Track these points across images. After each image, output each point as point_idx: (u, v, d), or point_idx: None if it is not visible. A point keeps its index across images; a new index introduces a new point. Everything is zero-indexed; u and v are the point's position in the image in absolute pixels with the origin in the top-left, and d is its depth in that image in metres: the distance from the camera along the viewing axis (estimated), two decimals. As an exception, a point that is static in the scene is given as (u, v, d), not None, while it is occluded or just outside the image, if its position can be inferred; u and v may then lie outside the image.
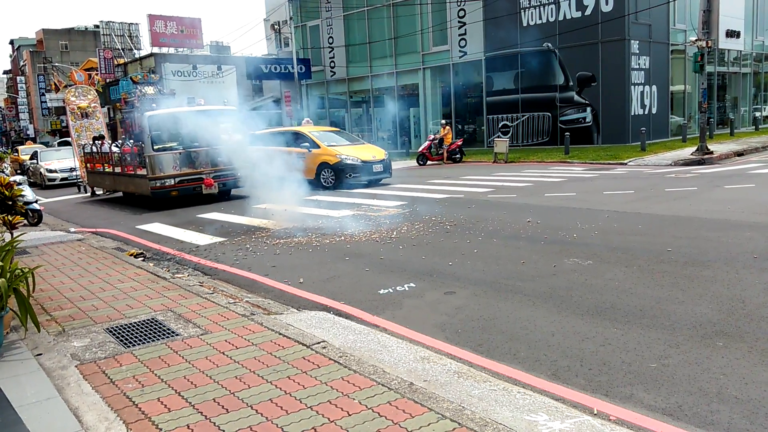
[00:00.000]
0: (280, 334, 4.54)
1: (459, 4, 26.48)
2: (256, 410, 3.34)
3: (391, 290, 5.92)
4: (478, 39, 26.10)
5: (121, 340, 4.59)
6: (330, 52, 32.76)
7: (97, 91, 20.82)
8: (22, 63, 78.21)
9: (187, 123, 13.09)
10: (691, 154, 17.85)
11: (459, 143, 22.58)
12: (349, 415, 3.23)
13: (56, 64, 61.59)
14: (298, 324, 4.85)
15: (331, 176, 15.24)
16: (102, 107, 20.22)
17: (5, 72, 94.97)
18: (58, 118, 58.43)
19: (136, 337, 4.67)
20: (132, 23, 49.33)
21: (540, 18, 24.12)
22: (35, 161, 24.53)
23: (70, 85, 24.38)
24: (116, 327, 4.92)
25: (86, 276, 6.83)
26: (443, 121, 24.11)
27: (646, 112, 23.79)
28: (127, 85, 31.57)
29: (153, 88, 16.25)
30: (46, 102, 61.42)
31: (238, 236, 9.33)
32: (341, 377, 3.72)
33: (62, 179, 22.74)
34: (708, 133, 20.15)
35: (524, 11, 24.55)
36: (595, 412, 3.32)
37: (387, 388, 3.54)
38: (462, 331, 4.70)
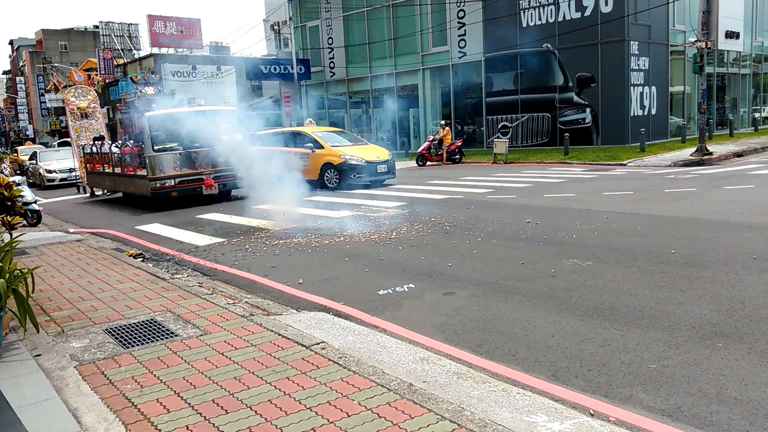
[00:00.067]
0: (279, 334, 4.54)
1: (458, 4, 26.49)
2: (255, 411, 3.33)
3: (390, 291, 5.91)
4: (478, 40, 26.12)
5: (120, 341, 4.59)
6: (329, 53, 32.77)
7: (96, 91, 20.80)
8: (21, 63, 78.19)
9: (187, 123, 13.08)
10: (691, 155, 17.86)
11: (458, 144, 22.59)
12: (349, 416, 3.22)
13: (56, 64, 61.58)
14: (297, 325, 4.84)
15: (335, 177, 15.19)
16: (101, 108, 20.20)
17: (4, 72, 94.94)
18: (58, 118, 58.42)
19: (135, 337, 4.66)
20: (131, 24, 49.27)
21: (539, 19, 24.14)
22: (34, 162, 24.52)
23: (69, 86, 24.37)
24: (115, 328, 4.92)
25: (85, 276, 6.82)
26: (443, 122, 24.12)
27: (646, 113, 23.81)
28: (126, 86, 31.60)
29: (153, 89, 16.25)
30: (45, 102, 61.42)
31: (238, 237, 9.32)
32: (340, 378, 3.72)
33: (61, 180, 22.73)
34: (707, 134, 20.17)
35: (524, 12, 24.56)
36: (593, 413, 3.32)
37: (386, 389, 3.54)
38: (461, 332, 4.69)
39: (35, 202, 11.79)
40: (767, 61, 32.61)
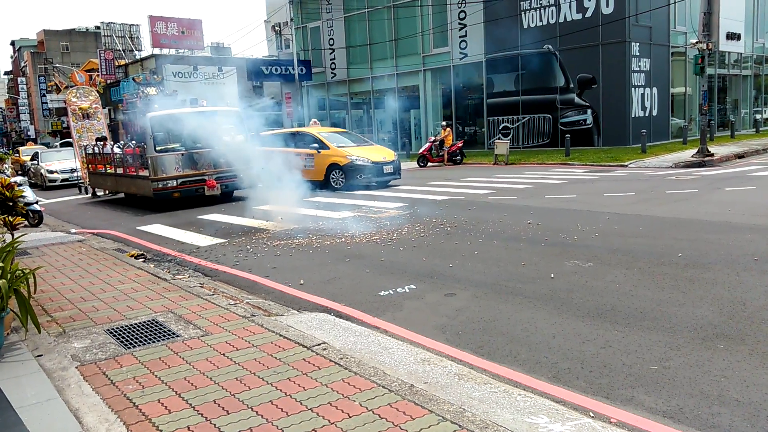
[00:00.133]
0: (280, 335, 4.54)
1: (459, 5, 26.50)
2: (257, 412, 3.33)
3: (391, 292, 5.91)
4: (479, 41, 26.12)
5: (122, 342, 4.59)
6: (330, 54, 32.79)
7: (98, 92, 20.83)
8: (23, 64, 78.30)
9: (189, 124, 13.08)
10: (692, 156, 17.85)
11: (459, 145, 22.58)
12: (350, 416, 3.22)
13: (57, 65, 61.67)
14: (298, 325, 4.84)
15: (341, 177, 15.13)
16: (102, 108, 20.22)
17: (6, 73, 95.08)
18: (59, 119, 58.48)
19: (136, 338, 4.66)
20: (133, 24, 49.38)
21: (540, 20, 24.14)
22: (36, 162, 24.55)
23: (71, 86, 24.42)
24: (117, 328, 4.92)
25: (87, 277, 6.83)
26: (444, 123, 24.12)
27: (647, 114, 23.80)
28: (128, 86, 31.65)
29: (155, 89, 16.27)
30: (46, 103, 61.48)
31: (239, 237, 9.33)
32: (341, 379, 3.72)
33: (63, 180, 22.76)
34: (708, 136, 20.15)
35: (525, 13, 24.57)
36: (594, 415, 3.32)
37: (387, 389, 3.54)
38: (462, 333, 4.69)
39: (37, 202, 11.81)
40: (768, 62, 32.62)
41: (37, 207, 11.53)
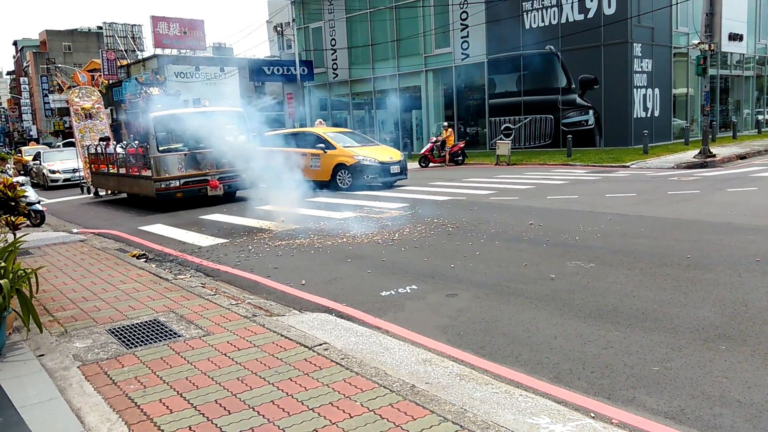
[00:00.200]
0: (281, 335, 4.54)
1: (461, 6, 26.49)
2: (258, 411, 3.34)
3: (393, 292, 5.91)
4: (481, 41, 26.12)
5: (124, 341, 4.60)
6: (332, 54, 32.80)
7: (100, 92, 20.86)
8: (25, 64, 78.43)
9: (192, 124, 13.08)
10: (694, 157, 17.83)
11: (461, 145, 22.57)
12: (351, 417, 3.23)
13: (59, 65, 61.76)
14: (299, 326, 4.85)
15: (348, 178, 15.05)
16: (104, 108, 20.25)
17: (8, 73, 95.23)
18: (61, 119, 58.58)
19: (138, 338, 4.67)
20: (135, 25, 49.37)
21: (542, 20, 24.13)
22: (38, 162, 24.59)
23: (73, 86, 24.43)
24: (118, 328, 4.93)
25: (89, 277, 6.84)
26: (445, 123, 24.13)
27: (649, 115, 23.78)
28: (131, 86, 31.69)
29: (158, 89, 16.28)
30: (49, 103, 61.58)
31: (241, 237, 9.33)
32: (343, 379, 3.72)
33: (65, 180, 22.79)
34: (710, 136, 20.14)
35: (527, 14, 24.56)
36: (595, 415, 3.32)
37: (389, 390, 3.54)
38: (464, 334, 4.69)
39: (39, 202, 11.82)
40: (771, 63, 32.58)
41: (39, 207, 11.54)
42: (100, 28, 59.71)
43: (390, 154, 15.77)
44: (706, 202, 10.17)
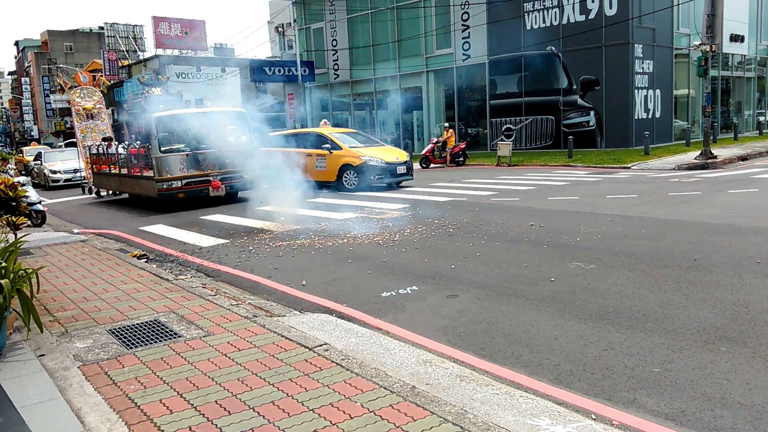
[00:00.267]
0: (282, 336, 4.54)
1: (462, 7, 26.49)
2: (258, 412, 3.34)
3: (393, 293, 5.91)
4: (482, 42, 26.12)
5: (124, 342, 4.60)
6: (333, 55, 32.81)
7: (101, 92, 20.88)
8: (26, 64, 78.54)
9: (194, 124, 13.06)
10: (695, 159, 17.81)
11: (462, 146, 22.56)
12: (351, 418, 3.22)
13: (61, 65, 61.84)
14: (300, 326, 4.85)
15: (355, 178, 14.98)
16: (106, 108, 20.27)
17: (10, 73, 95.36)
18: (62, 119, 58.67)
19: (138, 338, 4.67)
20: (136, 25, 49.43)
21: (544, 21, 24.12)
22: (39, 162, 24.61)
23: (75, 87, 24.48)
24: (119, 328, 4.93)
25: (89, 277, 6.84)
26: (446, 124, 24.13)
27: (650, 116, 23.77)
28: (133, 86, 31.73)
29: (160, 89, 16.28)
30: (50, 103, 61.69)
31: (241, 238, 9.33)
32: (343, 380, 3.72)
33: (66, 180, 22.81)
34: (712, 138, 20.11)
35: (528, 14, 24.56)
36: (595, 417, 3.31)
37: (389, 391, 3.53)
38: (464, 335, 4.69)
39: (40, 202, 11.83)
40: (772, 64, 32.56)
41: (40, 207, 11.55)
42: (102, 28, 59.83)
43: (396, 154, 15.71)
44: (707, 204, 10.16)
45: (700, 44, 17.94)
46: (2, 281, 4.32)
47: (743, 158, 18.80)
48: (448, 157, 22.17)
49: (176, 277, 6.92)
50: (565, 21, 23.50)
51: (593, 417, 3.31)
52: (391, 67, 30.17)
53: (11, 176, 10.77)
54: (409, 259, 7.28)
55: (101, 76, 38.35)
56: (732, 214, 9.03)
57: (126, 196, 16.51)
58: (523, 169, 19.06)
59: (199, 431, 3.17)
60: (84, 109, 18.64)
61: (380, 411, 3.29)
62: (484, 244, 7.88)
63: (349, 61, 32.15)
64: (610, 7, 22.19)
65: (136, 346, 4.48)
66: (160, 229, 10.89)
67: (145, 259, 8.25)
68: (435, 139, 23.04)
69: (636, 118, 22.91)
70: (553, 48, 23.83)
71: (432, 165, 22.36)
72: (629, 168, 17.42)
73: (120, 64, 41.62)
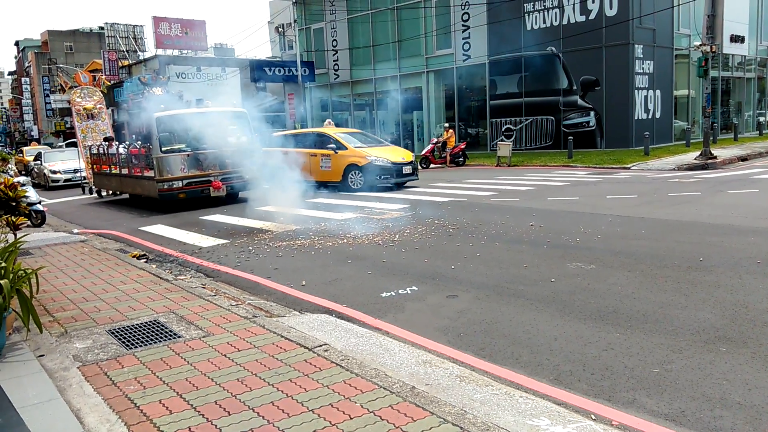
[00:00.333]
0: (282, 336, 4.54)
1: (463, 7, 26.50)
2: (258, 413, 3.33)
3: (393, 293, 5.91)
4: (482, 42, 26.11)
5: (124, 342, 4.60)
6: (334, 55, 32.81)
7: (102, 92, 20.89)
8: (26, 64, 78.56)
9: (195, 124, 13.05)
10: (695, 159, 17.81)
11: (462, 146, 22.56)
12: (351, 418, 3.22)
13: (61, 65, 61.85)
14: (300, 327, 4.84)
15: (360, 178, 14.89)
16: (106, 108, 20.28)
17: (10, 73, 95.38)
18: (62, 119, 58.68)
19: (138, 338, 4.67)
20: (136, 25, 49.43)
21: (544, 22, 24.12)
22: (39, 162, 24.61)
23: (75, 87, 24.50)
24: (118, 328, 4.93)
25: (89, 277, 6.84)
26: (446, 125, 24.13)
27: (650, 117, 23.77)
28: (132, 86, 31.74)
29: (160, 89, 16.28)
30: (50, 103, 61.71)
31: (241, 238, 9.33)
32: (343, 380, 3.71)
33: (66, 180, 22.82)
34: (712, 138, 20.11)
35: (528, 15, 24.56)
36: (595, 417, 3.31)
37: (389, 391, 3.53)
38: (464, 335, 4.69)
39: (39, 202, 11.83)
40: (772, 65, 32.56)
41: (40, 207, 11.55)
42: (102, 28, 59.84)
43: (402, 154, 15.67)
44: (707, 204, 10.15)
45: (700, 45, 17.94)
46: (2, 281, 4.32)
47: (743, 159, 18.80)
48: (448, 158, 22.18)
49: (176, 277, 6.91)
50: (565, 21, 23.50)
51: (593, 417, 3.31)
52: (392, 68, 30.17)
53: (11, 176, 10.77)
54: (408, 260, 7.28)
55: (101, 76, 38.39)
56: (732, 214, 9.03)
57: (126, 196, 16.51)
58: (523, 170, 19.06)
59: (199, 432, 3.17)
60: (84, 109, 18.65)
61: (380, 411, 3.28)
62: (483, 245, 7.88)
63: (350, 61, 32.15)
64: (611, 8, 22.19)
65: (136, 347, 4.48)
66: (159, 229, 10.89)
67: (144, 260, 8.25)
68: (435, 140, 23.05)
69: (636, 118, 22.91)
70: (553, 48, 23.83)
71: (432, 165, 22.36)
72: (629, 168, 17.42)
73: (120, 64, 41.63)
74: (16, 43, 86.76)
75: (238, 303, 5.66)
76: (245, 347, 4.36)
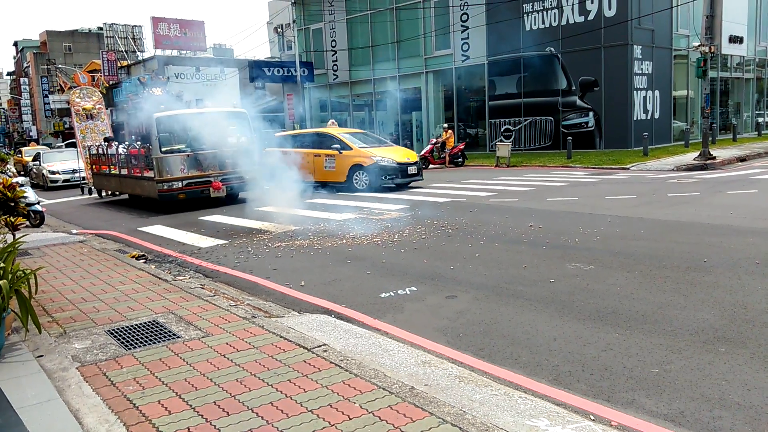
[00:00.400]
0: (281, 337, 4.54)
1: (462, 8, 26.51)
2: (257, 413, 3.33)
3: (392, 294, 5.91)
4: (481, 43, 26.13)
5: (122, 342, 4.59)
6: (333, 56, 32.81)
7: (101, 92, 20.88)
8: (25, 65, 78.50)
9: (195, 125, 13.03)
10: (694, 160, 17.83)
11: (461, 147, 22.58)
12: (350, 418, 3.22)
13: (60, 65, 61.80)
14: (299, 327, 4.84)
15: (365, 179, 14.82)
16: (105, 109, 20.27)
17: (9, 74, 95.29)
18: (61, 119, 58.64)
19: (137, 339, 4.66)
20: (135, 25, 49.41)
21: (543, 22, 24.14)
22: (38, 163, 24.59)
23: (74, 87, 24.50)
24: (117, 329, 4.92)
25: (88, 278, 6.83)
26: (445, 125, 24.14)
27: (649, 117, 23.79)
28: (131, 87, 31.72)
29: (160, 89, 16.27)
30: (49, 104, 61.66)
31: (240, 239, 9.33)
32: (342, 381, 3.71)
33: (64, 181, 22.80)
34: (710, 139, 20.13)
35: (527, 15, 24.57)
36: (594, 418, 3.31)
37: (388, 392, 3.53)
38: (463, 335, 4.69)
39: (38, 203, 11.81)
40: (771, 65, 32.60)
41: (38, 207, 11.54)
42: (101, 28, 59.81)
43: (407, 155, 15.64)
44: (706, 205, 10.16)
45: (699, 45, 17.96)
46: (0, 282, 4.31)
47: (742, 159, 18.82)
48: (447, 158, 22.18)
49: (175, 277, 6.91)
50: (564, 22, 23.52)
51: (592, 418, 3.31)
52: (391, 68, 30.17)
53: (10, 177, 10.76)
54: (408, 260, 7.28)
55: (101, 76, 38.37)
56: (731, 215, 9.04)
57: (125, 196, 16.49)
58: (522, 170, 19.07)
59: (198, 432, 3.16)
60: (84, 109, 18.63)
61: (379, 412, 3.28)
62: (483, 245, 7.88)
63: (349, 61, 32.15)
64: (609, 8, 22.21)
65: (135, 347, 4.48)
66: (158, 229, 10.88)
67: (143, 260, 8.24)
68: (434, 140, 23.05)
69: (635, 119, 22.93)
70: (552, 49, 23.84)
71: (431, 166, 22.36)
72: (628, 169, 17.43)
73: (119, 65, 41.60)
74: (15, 44, 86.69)
75: (237, 303, 5.66)
76: (244, 348, 4.35)
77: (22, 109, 75.41)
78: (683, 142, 23.50)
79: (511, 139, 25.27)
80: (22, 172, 25.05)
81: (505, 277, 6.27)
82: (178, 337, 4.64)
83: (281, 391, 3.59)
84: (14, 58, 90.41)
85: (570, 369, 3.99)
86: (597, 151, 22.65)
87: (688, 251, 6.90)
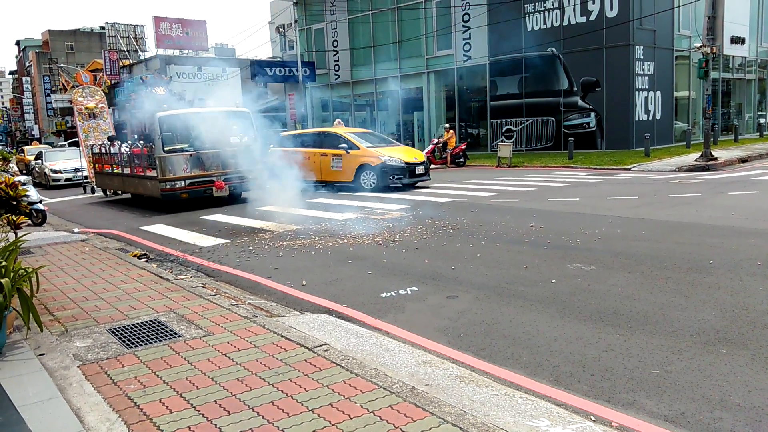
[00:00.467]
0: (282, 336, 4.55)
1: (463, 8, 26.50)
2: (258, 412, 3.34)
3: (393, 294, 5.91)
4: (483, 43, 26.12)
5: (124, 341, 4.60)
6: (334, 56, 32.82)
7: (103, 91, 20.91)
8: (27, 64, 78.59)
9: (198, 124, 13.04)
10: (695, 160, 17.80)
11: (462, 147, 22.57)
12: (351, 418, 3.23)
13: (62, 65, 61.86)
14: (300, 327, 4.85)
15: (373, 179, 14.77)
16: (107, 108, 20.30)
17: (11, 73, 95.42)
18: (63, 118, 58.72)
19: (138, 338, 4.67)
20: (137, 25, 49.41)
21: (544, 23, 24.12)
22: (40, 162, 24.63)
23: (77, 86, 24.55)
24: (119, 328, 4.93)
25: (89, 276, 6.84)
26: (447, 125, 24.13)
27: (650, 118, 23.76)
28: (132, 86, 31.74)
29: (162, 89, 16.28)
30: (51, 103, 61.75)
31: (242, 238, 9.34)
32: (343, 380, 3.72)
33: (67, 180, 22.83)
34: (712, 139, 20.09)
35: (529, 16, 24.56)
36: (595, 418, 3.31)
37: (388, 391, 3.54)
38: (464, 336, 4.69)
39: (40, 201, 11.84)
40: (773, 66, 32.55)
41: (40, 206, 11.55)
42: (103, 28, 59.78)
43: (414, 154, 15.62)
44: (708, 206, 10.16)
45: (700, 46, 17.94)
46: (2, 280, 4.32)
47: (744, 160, 18.79)
48: (449, 158, 22.18)
49: (176, 276, 6.92)
50: (565, 22, 23.50)
51: (592, 418, 3.31)
52: (392, 68, 30.17)
53: (12, 175, 10.78)
54: (409, 260, 7.29)
55: (103, 75, 38.41)
56: (732, 216, 9.03)
57: (128, 195, 16.50)
58: (524, 170, 19.07)
59: (199, 431, 3.17)
60: (86, 108, 18.66)
61: (380, 411, 3.29)
62: (484, 245, 7.88)
63: (350, 61, 32.15)
64: (611, 9, 22.19)
65: (136, 346, 4.48)
66: (160, 228, 10.89)
67: (145, 259, 8.25)
68: (435, 140, 23.05)
69: (636, 119, 22.91)
70: (553, 49, 23.82)
71: (432, 166, 22.30)
72: (629, 169, 17.42)
73: (121, 64, 41.63)
74: (17, 43, 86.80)
75: (238, 302, 5.66)
76: (245, 347, 4.36)
77: (25, 108, 75.52)
78: (685, 143, 23.47)
79: (513, 139, 25.26)
80: (24, 171, 25.11)
81: (506, 278, 6.27)
82: (179, 336, 4.65)
83: (282, 391, 3.60)
84: (16, 57, 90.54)
85: (571, 369, 3.99)
86: (598, 152, 22.63)
87: (690, 252, 6.90)
